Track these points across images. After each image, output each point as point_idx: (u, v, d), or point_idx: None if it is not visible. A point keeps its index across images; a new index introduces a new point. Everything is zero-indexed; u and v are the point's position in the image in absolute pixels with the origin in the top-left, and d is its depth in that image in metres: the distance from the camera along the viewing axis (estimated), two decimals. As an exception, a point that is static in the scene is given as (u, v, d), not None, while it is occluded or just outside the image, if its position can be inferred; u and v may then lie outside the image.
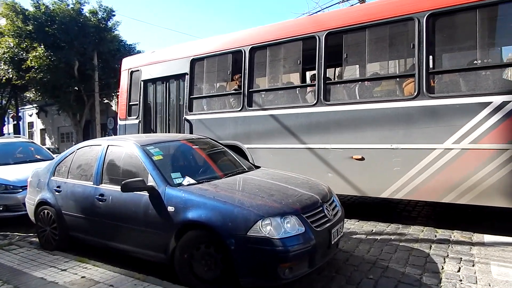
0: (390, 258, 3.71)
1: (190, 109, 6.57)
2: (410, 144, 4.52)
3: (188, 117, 6.57)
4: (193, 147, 4.46)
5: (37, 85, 19.59)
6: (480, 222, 4.82)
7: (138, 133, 7.30)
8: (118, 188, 3.51)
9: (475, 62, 4.40)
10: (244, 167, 4.36)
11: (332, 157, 5.11)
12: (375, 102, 4.84)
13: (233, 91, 6.21)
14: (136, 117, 7.44)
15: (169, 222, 3.26)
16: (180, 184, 3.49)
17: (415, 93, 4.50)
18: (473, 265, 3.46)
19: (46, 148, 12.67)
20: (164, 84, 7.07)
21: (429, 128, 4.40)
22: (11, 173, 6.23)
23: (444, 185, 4.33)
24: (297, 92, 5.88)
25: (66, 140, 28.20)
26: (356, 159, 4.89)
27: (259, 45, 5.86)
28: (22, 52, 18.50)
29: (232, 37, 6.33)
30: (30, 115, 31.19)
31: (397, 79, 5.03)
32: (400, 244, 4.13)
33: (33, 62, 17.58)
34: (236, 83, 6.20)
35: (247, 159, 5.75)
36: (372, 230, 4.72)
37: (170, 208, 3.27)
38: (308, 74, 6.75)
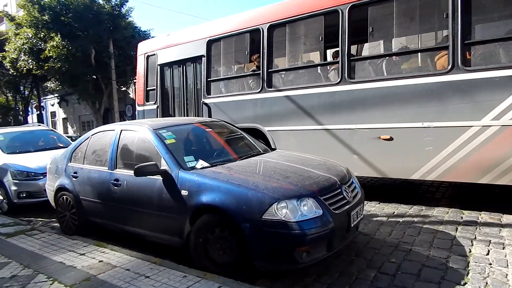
0: (413, 241, 3.55)
1: (208, 92, 6.42)
2: (444, 122, 4.23)
3: (206, 101, 6.44)
4: (207, 130, 4.37)
5: (56, 74, 19.91)
6: (510, 203, 4.56)
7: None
8: (132, 173, 3.46)
9: None
10: (260, 150, 4.24)
11: (357, 138, 4.86)
12: (404, 78, 4.52)
13: (252, 72, 6.00)
14: (154, 102, 7.37)
15: (183, 206, 3.20)
16: (193, 168, 3.42)
17: (449, 67, 4.17)
18: (503, 248, 3.26)
19: (68, 136, 12.99)
20: (181, 68, 6.93)
21: (464, 104, 4.09)
22: (32, 160, 6.35)
23: (482, 165, 4.05)
24: (319, 70, 5.61)
25: (88, 128, 28.80)
26: (384, 139, 4.64)
27: (278, 23, 5.59)
28: (40, 42, 18.75)
29: (249, 15, 6.07)
30: (52, 105, 31.95)
31: (429, 52, 4.64)
32: (424, 226, 3.95)
33: (51, 52, 17.80)
34: (255, 63, 5.99)
35: (268, 142, 5.61)
36: (394, 212, 4.55)
37: (184, 192, 3.21)
38: (330, 52, 6.44)
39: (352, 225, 3.11)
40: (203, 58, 6.43)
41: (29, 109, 29.29)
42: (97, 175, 4.14)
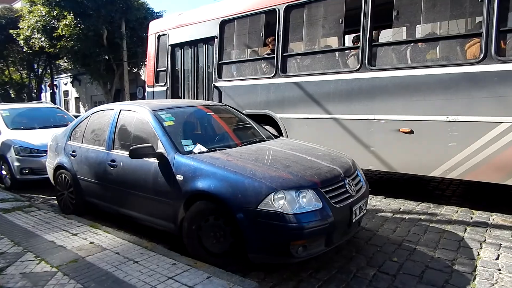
0: (418, 240, 3.37)
1: (219, 75, 6.20)
2: (471, 116, 3.92)
3: (217, 84, 6.21)
4: (210, 113, 4.19)
5: (69, 53, 19.90)
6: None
7: (165, 101, 7.10)
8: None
9: None
10: (263, 136, 4.08)
11: (375, 129, 4.59)
12: (430, 67, 4.19)
13: (266, 56, 5.75)
14: (164, 84, 7.17)
15: (178, 191, 3.08)
16: (190, 152, 3.27)
17: (481, 56, 3.83)
18: (515, 253, 3.06)
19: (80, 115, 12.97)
20: (193, 49, 6.72)
21: (495, 98, 3.76)
22: (36, 137, 6.32)
23: (511, 165, 3.76)
24: (338, 56, 5.30)
25: (99, 108, 29.01)
26: (404, 132, 4.36)
27: (296, 3, 5.25)
28: (53, 21, 18.71)
29: None
30: (65, 84, 32.18)
31: (459, 39, 4.28)
32: (431, 225, 3.75)
33: (63, 31, 17.74)
34: (269, 46, 5.72)
35: (279, 130, 5.42)
36: (400, 208, 4.36)
37: (179, 177, 3.07)
38: (350, 38, 6.07)
39: (354, 220, 2.94)
40: (215, 40, 6.19)
41: (43, 87, 29.56)
42: (95, 155, 4.04)
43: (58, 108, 8.47)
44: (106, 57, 20.55)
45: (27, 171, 6.05)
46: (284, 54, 5.41)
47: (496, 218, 3.91)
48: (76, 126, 4.59)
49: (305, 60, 5.53)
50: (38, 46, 19.73)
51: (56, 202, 4.84)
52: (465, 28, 4.64)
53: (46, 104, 8.89)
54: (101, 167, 3.91)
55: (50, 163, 4.93)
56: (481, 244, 3.25)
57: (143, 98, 20.02)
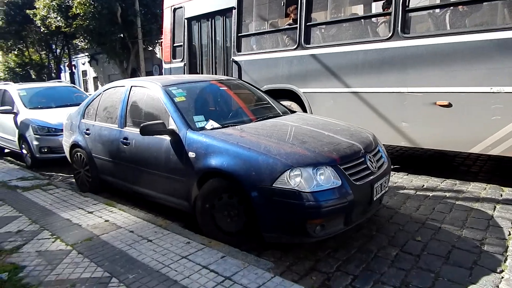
0: (443, 219, 3.19)
1: (238, 49, 5.91)
2: None
3: (236, 58, 5.94)
4: (223, 88, 4.04)
5: (84, 32, 19.91)
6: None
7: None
8: (140, 131, 3.25)
9: None
10: (278, 112, 3.90)
11: (409, 103, 4.27)
12: (471, 33, 3.80)
13: (288, 26, 5.40)
14: (181, 59, 6.94)
15: (190, 168, 2.98)
16: (203, 128, 3.15)
17: None
18: (550, 233, 2.84)
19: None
20: (210, 22, 6.42)
21: None
22: (53, 116, 6.35)
23: None
24: (367, 24, 4.90)
25: (117, 87, 29.28)
26: (441, 105, 4.03)
27: None
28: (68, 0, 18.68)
29: None
30: (83, 64, 32.47)
31: (506, 0, 3.80)
32: (457, 202, 3.55)
33: (78, 9, 17.71)
34: (291, 16, 5.37)
35: (303, 105, 5.17)
36: (423, 185, 4.15)
37: (191, 154, 2.97)
38: (378, 5, 5.60)
39: (375, 198, 2.79)
40: (233, 11, 5.86)
41: (62, 67, 29.94)
42: (107, 132, 3.99)
43: (74, 87, 8.48)
44: (121, 35, 20.46)
45: (45, 150, 6.12)
46: (308, 23, 5.05)
47: (528, 195, 3.66)
48: (89, 104, 4.53)
49: (330, 29, 5.16)
50: (54, 25, 19.78)
51: (74, 180, 4.88)
52: None
53: (62, 83, 8.92)
54: (114, 145, 3.87)
55: (66, 141, 4.94)
56: (512, 223, 3.05)
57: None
